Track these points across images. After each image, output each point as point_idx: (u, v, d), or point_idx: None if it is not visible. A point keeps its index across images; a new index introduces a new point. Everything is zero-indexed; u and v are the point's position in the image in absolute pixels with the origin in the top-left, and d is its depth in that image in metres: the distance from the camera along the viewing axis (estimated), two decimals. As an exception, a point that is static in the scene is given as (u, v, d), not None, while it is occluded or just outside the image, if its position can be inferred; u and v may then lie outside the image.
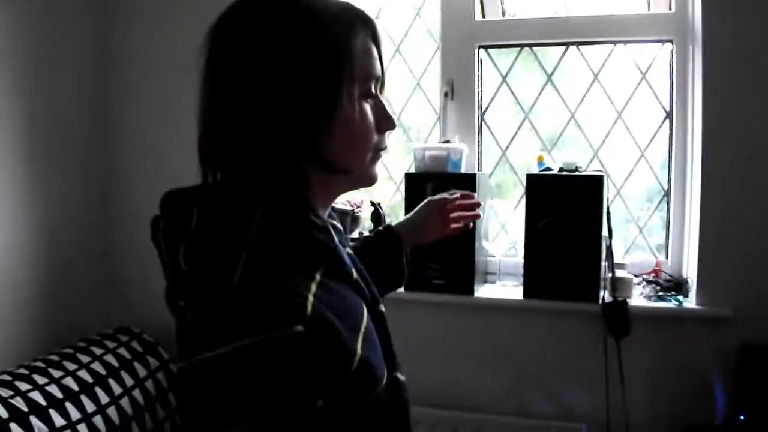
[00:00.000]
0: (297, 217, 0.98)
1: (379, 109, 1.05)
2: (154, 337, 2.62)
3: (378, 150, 1.07)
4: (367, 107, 1.02)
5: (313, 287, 0.91)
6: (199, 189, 1.00)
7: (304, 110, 0.95)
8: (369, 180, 1.08)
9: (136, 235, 2.80)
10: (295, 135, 0.96)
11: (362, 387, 0.96)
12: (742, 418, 2.17)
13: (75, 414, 2.14)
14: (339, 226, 1.12)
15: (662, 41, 2.54)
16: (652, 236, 2.61)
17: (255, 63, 0.96)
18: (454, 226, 1.61)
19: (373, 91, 1.04)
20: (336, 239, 1.03)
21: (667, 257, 2.54)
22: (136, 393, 2.40)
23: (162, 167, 2.74)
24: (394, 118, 1.08)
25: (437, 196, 1.62)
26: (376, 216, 2.62)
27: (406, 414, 1.09)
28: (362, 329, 0.98)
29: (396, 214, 2.70)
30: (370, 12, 1.08)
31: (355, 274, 1.04)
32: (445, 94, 2.66)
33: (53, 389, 2.16)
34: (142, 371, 2.48)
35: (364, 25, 1.03)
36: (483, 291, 2.52)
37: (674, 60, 2.49)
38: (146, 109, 2.81)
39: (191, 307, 0.91)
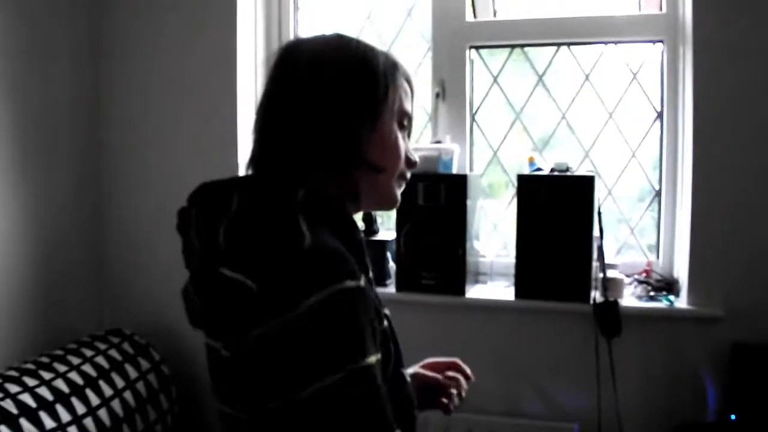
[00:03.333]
0: (337, 202, 1.11)
1: (407, 146, 1.21)
2: (146, 339, 2.60)
3: (402, 176, 1.21)
4: (399, 135, 1.18)
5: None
6: (235, 179, 1.12)
7: (354, 119, 1.11)
8: (392, 198, 1.22)
9: (129, 236, 2.81)
10: (346, 138, 1.11)
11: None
12: (733, 417, 2.17)
13: (65, 416, 2.13)
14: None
15: (653, 41, 2.54)
16: (643, 236, 2.62)
17: (319, 80, 1.11)
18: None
19: (406, 128, 1.21)
20: (361, 235, 1.15)
21: (658, 257, 2.55)
22: (128, 395, 2.39)
23: (155, 165, 2.74)
24: (418, 160, 1.24)
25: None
26: (368, 219, 2.62)
27: (412, 406, 1.18)
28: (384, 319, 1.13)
29: (388, 215, 2.70)
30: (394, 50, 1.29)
31: (370, 273, 1.14)
32: (437, 95, 2.66)
33: (43, 391, 2.14)
34: (133, 373, 2.46)
35: (404, 72, 1.21)
36: (474, 291, 2.52)
37: (665, 60, 2.50)
38: (140, 104, 2.79)
39: (254, 275, 0.97)
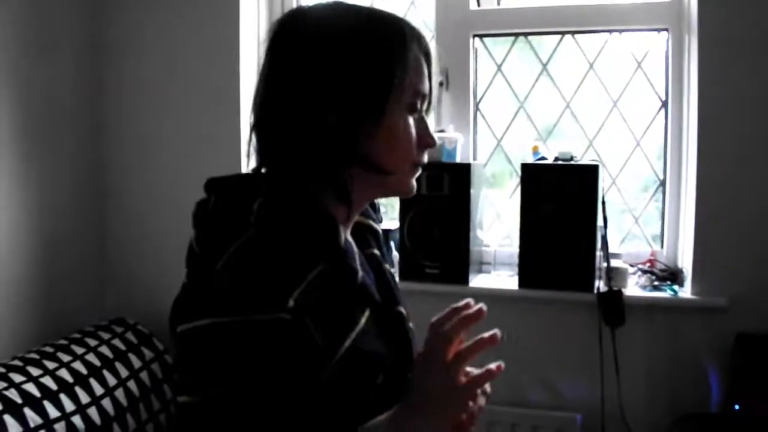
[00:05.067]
0: (303, 210, 1.03)
1: (421, 126, 1.10)
2: (149, 328, 2.60)
3: (417, 164, 1.11)
4: (411, 120, 1.08)
5: (302, 285, 0.97)
6: (228, 178, 1.09)
7: (354, 111, 1.02)
8: (406, 189, 1.12)
9: (131, 226, 2.81)
10: (343, 133, 1.02)
11: (354, 375, 1.02)
12: (736, 407, 2.16)
13: (69, 406, 2.14)
14: (377, 227, 1.24)
15: (658, 30, 2.53)
16: (647, 226, 2.61)
17: (315, 63, 1.03)
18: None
19: (419, 107, 1.09)
20: (343, 237, 1.06)
21: (662, 247, 2.54)
22: (131, 384, 2.39)
23: (158, 157, 2.73)
24: (436, 137, 1.13)
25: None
26: (371, 206, 2.61)
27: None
28: (352, 333, 1.03)
29: (392, 204, 2.68)
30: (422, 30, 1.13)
31: (360, 274, 1.07)
32: (440, 84, 2.64)
33: (48, 381, 2.15)
34: (137, 362, 2.47)
35: (418, 42, 1.09)
36: (478, 281, 2.52)
37: (670, 49, 2.48)
38: (142, 96, 2.78)
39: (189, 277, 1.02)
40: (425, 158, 1.12)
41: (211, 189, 1.07)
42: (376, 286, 1.13)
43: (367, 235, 1.24)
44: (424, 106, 1.12)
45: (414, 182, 1.13)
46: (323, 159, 1.03)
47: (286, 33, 1.07)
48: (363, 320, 1.06)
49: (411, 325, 1.21)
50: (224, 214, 1.03)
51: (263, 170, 1.09)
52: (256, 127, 1.08)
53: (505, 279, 2.54)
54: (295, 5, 2.79)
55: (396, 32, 1.05)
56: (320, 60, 1.03)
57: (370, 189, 1.11)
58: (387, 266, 1.22)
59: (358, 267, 1.07)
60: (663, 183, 2.54)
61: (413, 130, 1.08)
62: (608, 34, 2.59)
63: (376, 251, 1.22)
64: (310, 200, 1.04)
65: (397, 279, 1.25)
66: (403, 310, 1.16)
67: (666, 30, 2.50)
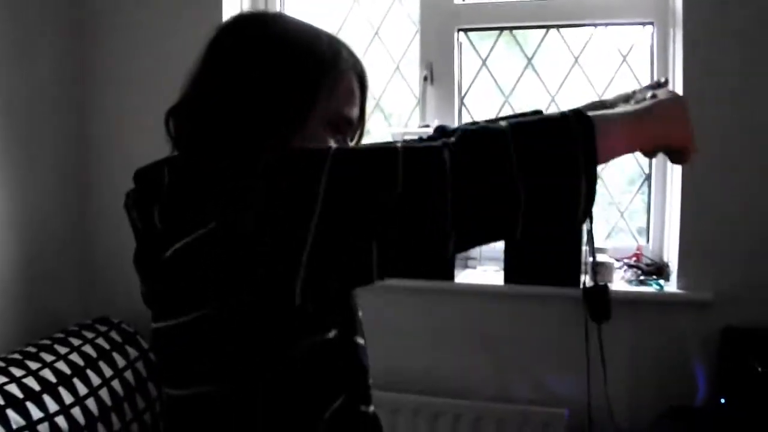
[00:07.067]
0: None
1: None
2: (134, 327, 2.59)
3: None
4: (332, 141, 1.07)
5: None
6: (166, 158, 1.07)
7: (274, 116, 1.01)
8: None
9: (114, 223, 2.76)
10: (260, 136, 1.01)
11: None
12: (722, 401, 2.17)
13: (53, 406, 2.12)
14: None
15: (643, 24, 2.52)
16: (633, 220, 2.60)
17: (248, 65, 1.03)
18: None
19: (343, 131, 1.09)
20: None
21: (648, 241, 2.54)
22: (116, 384, 2.37)
23: (140, 154, 2.68)
24: None
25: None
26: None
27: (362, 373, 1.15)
28: None
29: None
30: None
31: None
32: (425, 78, 2.63)
33: (30, 381, 2.12)
34: (121, 362, 2.45)
35: (354, 68, 1.09)
36: (464, 276, 2.52)
37: (655, 42, 2.48)
38: (124, 97, 2.76)
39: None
40: None
41: (158, 169, 1.04)
42: None
43: None
44: (350, 133, 1.12)
45: None
46: (241, 151, 1.01)
47: (228, 34, 1.09)
48: None
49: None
50: (195, 173, 0.99)
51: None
52: (176, 114, 1.09)
53: (490, 274, 2.53)
54: (278, 6, 2.78)
55: (333, 53, 1.06)
56: (253, 63, 1.03)
57: None
58: None
59: None
60: (648, 177, 2.54)
61: None
62: (593, 27, 2.58)
63: None
64: None
65: None
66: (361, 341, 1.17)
67: (651, 24, 2.49)
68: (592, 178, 0.90)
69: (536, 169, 0.89)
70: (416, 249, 0.90)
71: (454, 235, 0.88)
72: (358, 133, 1.14)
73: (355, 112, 1.10)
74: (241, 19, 1.12)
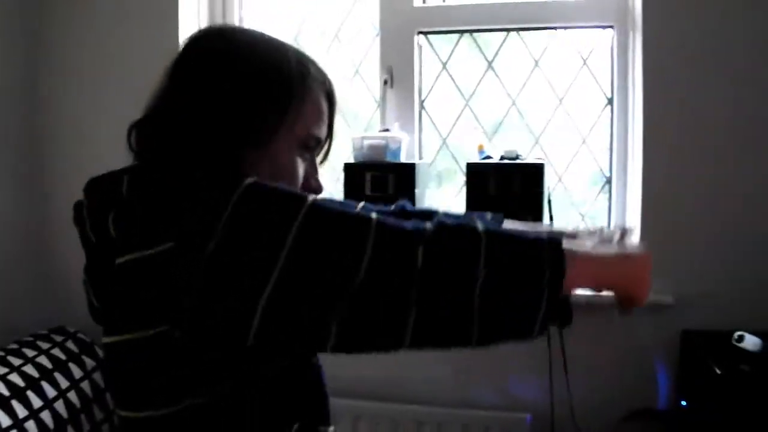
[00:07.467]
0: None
1: (311, 169, 1.09)
2: (91, 337, 2.54)
3: None
4: (299, 159, 1.06)
5: None
6: (125, 168, 1.01)
7: (242, 132, 1.00)
8: None
9: (70, 232, 2.72)
10: (226, 151, 0.99)
11: None
12: (683, 403, 2.18)
13: (5, 421, 2.07)
14: None
15: (603, 27, 2.52)
16: (596, 223, 2.60)
17: (218, 80, 1.01)
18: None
19: (311, 149, 1.08)
20: None
21: (609, 244, 2.53)
22: (72, 395, 2.33)
23: (98, 160, 2.63)
24: (322, 186, 1.11)
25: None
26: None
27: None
28: None
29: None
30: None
31: None
32: (385, 82, 2.61)
33: (-18, 395, 2.08)
34: (77, 372, 2.41)
35: (323, 86, 1.08)
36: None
37: (615, 46, 2.48)
38: (80, 97, 2.72)
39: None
40: None
41: (115, 180, 1.00)
42: None
43: None
44: (317, 151, 1.11)
45: None
46: (204, 169, 0.98)
47: (196, 49, 1.07)
48: None
49: None
50: (158, 180, 0.95)
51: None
52: (142, 127, 1.06)
53: (453, 279, 2.51)
54: (235, 12, 2.75)
55: (302, 70, 1.05)
56: (221, 80, 1.01)
57: None
58: None
59: None
60: (609, 180, 2.54)
61: (300, 170, 1.07)
62: (554, 31, 2.58)
63: None
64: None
65: None
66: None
67: (611, 27, 2.49)
68: (551, 307, 0.91)
69: (500, 294, 0.88)
70: (370, 338, 0.88)
71: (408, 340, 0.86)
72: (325, 149, 1.13)
73: (323, 130, 1.09)
74: (209, 34, 1.09)
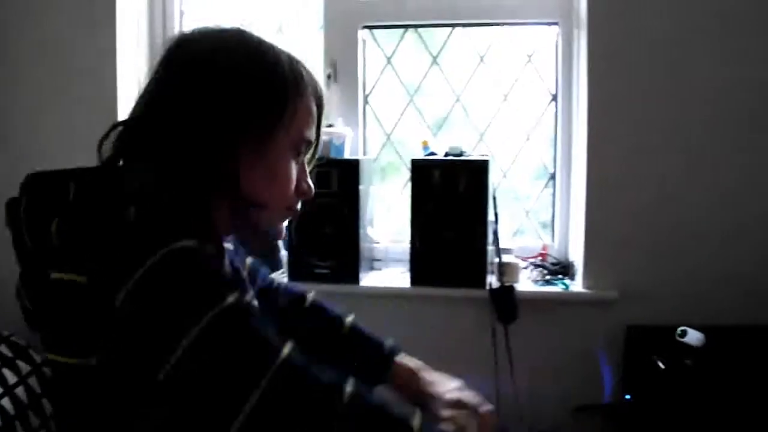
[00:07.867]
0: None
1: (302, 174, 1.11)
2: (26, 340, 2.46)
3: (290, 208, 1.10)
4: (293, 163, 1.07)
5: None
6: (73, 169, 0.96)
7: (239, 136, 0.99)
8: (276, 233, 1.12)
9: (3, 230, 2.64)
10: (224, 155, 0.98)
11: None
12: (628, 397, 2.19)
13: (-67, 430, 1.99)
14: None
15: (548, 24, 2.52)
16: (540, 219, 2.61)
17: (213, 84, 0.99)
18: None
19: (302, 152, 1.09)
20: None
21: (553, 240, 2.54)
22: (5, 402, 2.24)
23: (30, 160, 2.54)
24: (313, 188, 1.13)
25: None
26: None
27: None
28: None
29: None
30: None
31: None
32: (328, 76, 2.57)
33: None
34: (11, 378, 2.32)
35: (313, 89, 1.09)
36: (369, 279, 2.47)
37: (560, 43, 2.48)
38: (19, 100, 2.62)
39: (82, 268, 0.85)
40: (299, 206, 1.12)
41: (61, 181, 0.95)
42: None
43: None
44: (308, 155, 1.12)
45: (283, 227, 1.13)
46: (197, 174, 0.97)
47: (185, 51, 1.04)
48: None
49: None
50: (102, 194, 0.90)
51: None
52: (127, 129, 1.03)
53: (397, 276, 2.50)
54: (176, 4, 2.69)
55: (295, 76, 1.05)
56: (220, 82, 1.00)
57: (237, 219, 1.06)
58: None
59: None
60: (553, 176, 2.54)
61: (294, 174, 1.07)
62: (499, 27, 2.57)
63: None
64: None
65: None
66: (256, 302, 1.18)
67: (556, 24, 2.49)
68: None
69: None
70: None
71: None
72: (312, 152, 1.14)
73: (313, 133, 1.10)
74: (197, 35, 1.06)
